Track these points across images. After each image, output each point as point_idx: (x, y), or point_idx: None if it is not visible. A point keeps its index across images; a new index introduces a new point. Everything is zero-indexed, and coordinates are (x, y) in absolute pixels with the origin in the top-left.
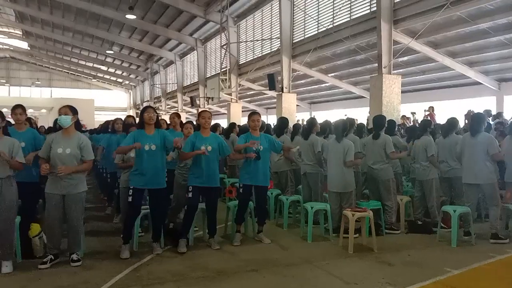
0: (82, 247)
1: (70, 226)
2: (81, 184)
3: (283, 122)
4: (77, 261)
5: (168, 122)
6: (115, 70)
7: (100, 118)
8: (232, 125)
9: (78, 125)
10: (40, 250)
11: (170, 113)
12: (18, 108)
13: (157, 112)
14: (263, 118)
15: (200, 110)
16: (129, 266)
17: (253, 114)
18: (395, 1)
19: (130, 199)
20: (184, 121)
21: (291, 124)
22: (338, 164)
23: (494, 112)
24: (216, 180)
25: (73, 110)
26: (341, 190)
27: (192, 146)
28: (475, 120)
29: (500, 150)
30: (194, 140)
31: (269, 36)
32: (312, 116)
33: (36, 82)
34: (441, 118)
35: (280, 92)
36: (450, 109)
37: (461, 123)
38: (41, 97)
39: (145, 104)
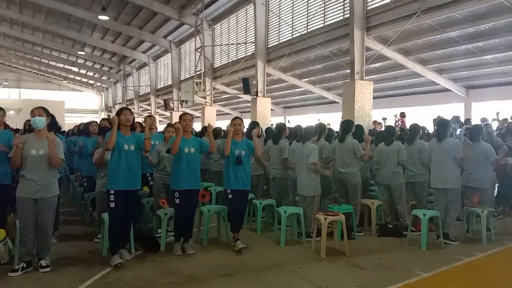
0: (51, 252)
1: (41, 231)
2: (54, 187)
3: (253, 127)
4: (46, 266)
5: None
6: (87, 71)
7: (71, 120)
8: (204, 128)
9: (55, 126)
10: (5, 257)
11: (143, 116)
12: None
13: (133, 114)
14: None
15: (182, 113)
16: (99, 272)
17: (235, 119)
18: (367, 9)
19: (112, 204)
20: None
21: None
22: (303, 168)
23: (462, 118)
24: (197, 182)
25: (46, 112)
26: (304, 194)
27: None
28: (440, 126)
29: (462, 155)
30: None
31: (244, 40)
32: (282, 122)
33: (4, 83)
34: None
35: (255, 96)
36: (420, 115)
37: (431, 129)
38: (9, 98)
39: (117, 107)
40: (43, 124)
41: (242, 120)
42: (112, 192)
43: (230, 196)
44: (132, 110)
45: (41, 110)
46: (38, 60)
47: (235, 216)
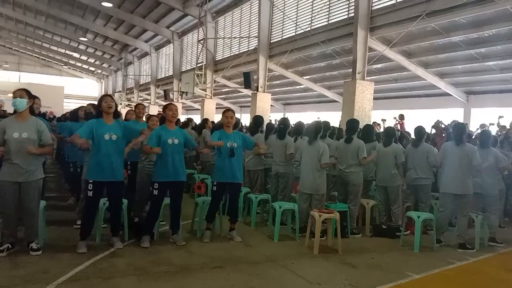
0: (43, 236)
1: (27, 214)
2: (39, 171)
3: (258, 120)
4: (37, 250)
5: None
6: (88, 58)
7: (70, 106)
8: (204, 121)
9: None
10: None
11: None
12: None
13: (115, 101)
14: (237, 116)
15: (167, 103)
16: (91, 258)
17: (227, 111)
18: (372, 9)
19: (89, 193)
20: (156, 114)
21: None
22: (311, 166)
23: None
24: (182, 174)
25: (29, 94)
26: (312, 192)
27: (158, 139)
28: (459, 130)
29: (480, 162)
30: (160, 133)
31: (247, 35)
32: (285, 117)
33: (4, 66)
34: (410, 127)
35: (255, 91)
36: (419, 118)
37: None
38: (8, 81)
39: (117, 95)
40: (24, 106)
41: (234, 113)
42: (90, 181)
43: (214, 188)
44: (132, 98)
45: (22, 92)
46: (39, 44)
47: (215, 209)
